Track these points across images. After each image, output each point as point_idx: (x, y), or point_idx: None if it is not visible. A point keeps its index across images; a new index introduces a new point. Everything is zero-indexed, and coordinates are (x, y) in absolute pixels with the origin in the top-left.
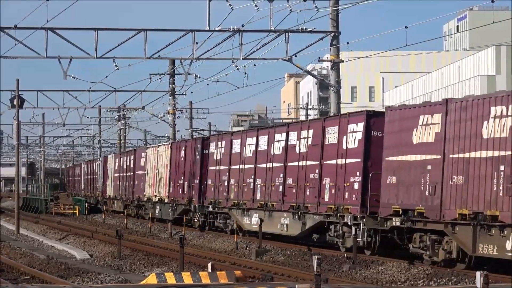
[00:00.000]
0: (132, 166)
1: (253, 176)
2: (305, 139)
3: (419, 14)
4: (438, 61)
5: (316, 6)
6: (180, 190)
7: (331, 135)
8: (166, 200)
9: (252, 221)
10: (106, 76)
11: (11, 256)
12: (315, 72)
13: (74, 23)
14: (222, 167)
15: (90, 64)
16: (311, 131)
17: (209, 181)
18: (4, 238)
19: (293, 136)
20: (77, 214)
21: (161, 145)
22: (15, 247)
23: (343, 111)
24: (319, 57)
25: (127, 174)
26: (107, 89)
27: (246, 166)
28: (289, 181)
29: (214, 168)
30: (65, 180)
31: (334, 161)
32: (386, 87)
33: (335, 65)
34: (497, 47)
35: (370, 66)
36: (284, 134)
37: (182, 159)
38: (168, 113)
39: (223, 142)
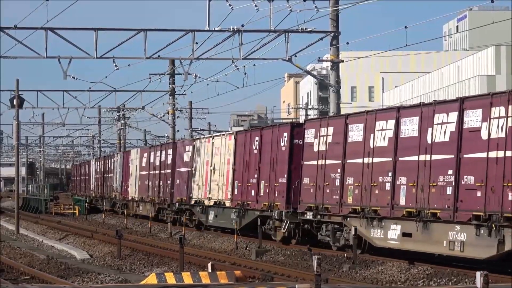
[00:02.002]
0: (169, 162)
1: (390, 173)
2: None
3: (419, 14)
4: (438, 61)
5: (316, 6)
6: (253, 191)
7: None
8: (227, 204)
9: (389, 235)
10: (106, 76)
11: (11, 256)
12: (315, 72)
13: (74, 23)
14: (329, 162)
15: (90, 64)
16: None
17: (306, 180)
18: (4, 238)
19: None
20: (77, 214)
21: (217, 136)
22: (15, 247)
23: (343, 111)
24: (319, 57)
25: (162, 171)
26: (107, 89)
27: (377, 159)
28: (468, 180)
29: (314, 162)
30: (67, 180)
31: None
32: (386, 87)
33: (335, 65)
34: (497, 47)
35: (370, 66)
36: (455, 114)
37: (256, 152)
38: (168, 113)
39: (331, 129)
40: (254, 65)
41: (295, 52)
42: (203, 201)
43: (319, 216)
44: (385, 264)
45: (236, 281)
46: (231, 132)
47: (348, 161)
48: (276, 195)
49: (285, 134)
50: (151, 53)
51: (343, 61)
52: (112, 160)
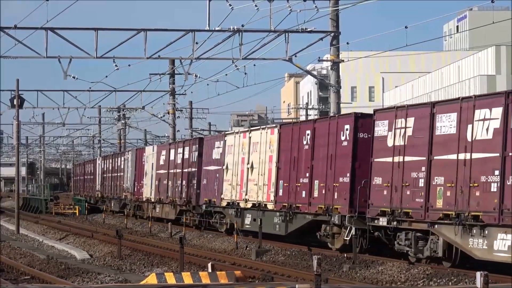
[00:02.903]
0: (194, 159)
1: (498, 172)
2: None
3: (419, 14)
4: (438, 61)
5: (316, 6)
6: (304, 192)
7: None
8: (270, 207)
9: (495, 246)
10: (106, 76)
11: (11, 256)
12: (315, 72)
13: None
14: (409, 158)
15: (90, 64)
16: None
17: (377, 180)
18: (4, 238)
19: None
20: (77, 214)
21: (255, 130)
22: (15, 247)
23: (343, 111)
24: (319, 57)
25: (186, 170)
26: (107, 89)
27: (477, 155)
28: None
29: (388, 159)
30: (67, 179)
31: None
32: (386, 87)
33: (335, 65)
34: (497, 47)
35: (370, 66)
36: None
37: (307, 147)
38: (168, 113)
39: (411, 119)
40: (254, 65)
41: (295, 52)
42: (238, 203)
43: (395, 223)
44: (385, 264)
45: (236, 281)
46: (273, 125)
47: (436, 157)
48: (336, 197)
49: (347, 126)
50: (151, 53)
51: (343, 61)
52: (122, 158)
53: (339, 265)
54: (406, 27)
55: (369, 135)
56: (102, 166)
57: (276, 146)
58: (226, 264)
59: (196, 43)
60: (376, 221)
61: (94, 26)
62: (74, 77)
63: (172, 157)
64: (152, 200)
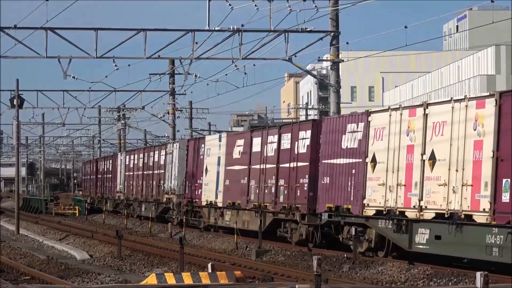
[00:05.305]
0: (304, 150)
1: None
2: None
3: (419, 14)
4: (438, 61)
5: (316, 6)
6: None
7: None
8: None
9: None
10: (106, 76)
11: (11, 256)
12: (315, 72)
13: (74, 23)
14: None
15: (90, 64)
16: None
17: None
18: (4, 238)
19: None
20: (77, 215)
21: (434, 104)
22: (15, 247)
23: (343, 111)
24: (319, 57)
25: (283, 165)
26: (107, 89)
27: None
28: None
29: None
30: (67, 180)
31: None
32: (386, 87)
33: (335, 65)
34: (496, 47)
35: (370, 66)
36: None
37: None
38: (168, 113)
39: None
40: (254, 65)
41: (295, 52)
42: (403, 211)
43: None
44: (385, 264)
45: (236, 281)
46: (479, 95)
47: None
48: None
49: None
50: (151, 53)
51: (343, 61)
52: (163, 151)
53: (339, 265)
54: (406, 27)
55: None
56: (127, 163)
57: (493, 127)
58: (226, 264)
59: (196, 43)
60: None
61: (94, 26)
62: (74, 77)
63: (258, 148)
64: (220, 205)
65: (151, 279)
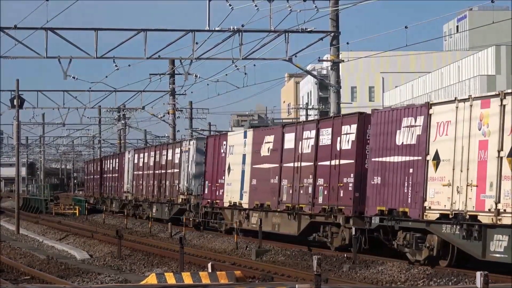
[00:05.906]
0: (349, 147)
1: None
2: None
3: (419, 14)
4: (438, 61)
5: (316, 6)
6: None
7: None
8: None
9: None
10: (106, 76)
11: (11, 256)
12: (315, 72)
13: (74, 23)
14: None
15: (90, 64)
16: None
17: None
18: (4, 238)
19: None
20: (77, 214)
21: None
22: (15, 247)
23: (343, 111)
24: (319, 57)
25: (322, 163)
26: (107, 89)
27: None
28: None
29: None
30: (67, 180)
31: None
32: (386, 87)
33: (335, 65)
34: (497, 47)
35: (370, 66)
36: None
37: None
38: (168, 113)
39: None
40: (254, 65)
41: (295, 52)
42: (475, 215)
43: None
44: (385, 264)
45: (236, 281)
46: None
47: None
48: None
49: None
50: (151, 53)
51: (343, 61)
52: (178, 149)
53: (339, 265)
54: (406, 27)
55: None
56: (136, 162)
57: None
58: (226, 264)
59: (196, 43)
60: None
61: (94, 26)
62: (74, 77)
63: (291, 145)
64: (245, 206)
65: (151, 279)
